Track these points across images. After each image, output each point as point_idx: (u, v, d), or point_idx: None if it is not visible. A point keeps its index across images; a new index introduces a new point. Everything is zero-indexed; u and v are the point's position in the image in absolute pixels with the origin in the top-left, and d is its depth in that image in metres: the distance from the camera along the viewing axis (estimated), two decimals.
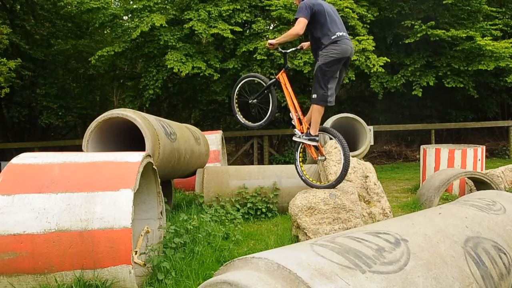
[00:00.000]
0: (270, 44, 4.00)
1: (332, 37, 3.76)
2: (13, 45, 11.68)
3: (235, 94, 4.50)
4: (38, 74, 13.47)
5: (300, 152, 4.21)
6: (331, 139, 4.37)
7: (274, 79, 4.22)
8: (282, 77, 4.18)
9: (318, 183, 4.15)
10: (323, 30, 3.80)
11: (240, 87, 4.47)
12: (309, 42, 4.23)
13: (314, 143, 3.96)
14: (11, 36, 10.68)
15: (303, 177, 4.13)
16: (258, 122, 4.38)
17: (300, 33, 3.81)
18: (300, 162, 4.20)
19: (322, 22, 3.80)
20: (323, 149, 4.16)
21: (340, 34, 3.79)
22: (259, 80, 4.36)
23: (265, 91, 4.27)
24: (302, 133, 4.05)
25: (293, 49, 4.42)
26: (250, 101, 4.42)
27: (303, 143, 4.07)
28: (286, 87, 4.13)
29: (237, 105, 4.56)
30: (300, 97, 11.59)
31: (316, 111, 3.86)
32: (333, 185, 3.98)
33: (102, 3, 10.58)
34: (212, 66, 10.31)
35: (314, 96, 3.84)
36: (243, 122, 4.54)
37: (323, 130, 4.05)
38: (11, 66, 9.38)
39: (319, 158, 4.05)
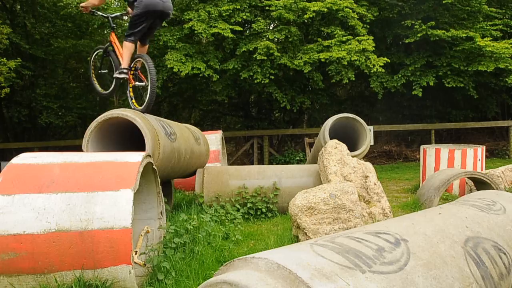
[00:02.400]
0: (82, 6, 4.81)
1: None
2: (13, 44, 11.68)
3: (91, 66, 5.26)
4: (38, 74, 13.47)
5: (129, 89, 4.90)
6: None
7: (108, 43, 4.99)
8: (112, 37, 4.92)
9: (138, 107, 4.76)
10: None
11: (92, 60, 5.25)
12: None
13: (123, 76, 4.68)
14: (11, 36, 10.68)
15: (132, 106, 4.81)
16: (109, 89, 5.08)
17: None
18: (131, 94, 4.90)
19: None
20: (142, 76, 4.75)
21: None
22: (101, 50, 5.12)
23: (104, 56, 5.04)
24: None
25: (118, 13, 5.19)
26: (100, 72, 5.20)
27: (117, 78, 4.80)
28: (115, 43, 4.91)
29: (94, 75, 5.29)
30: (301, 97, 11.61)
31: (126, 47, 4.65)
32: (143, 111, 4.57)
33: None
34: (211, 67, 10.31)
35: (126, 33, 4.68)
36: (98, 89, 5.27)
37: (138, 57, 4.74)
38: (11, 66, 9.37)
39: (137, 83, 4.71)
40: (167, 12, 4.69)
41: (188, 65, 9.78)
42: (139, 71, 4.78)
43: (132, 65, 4.75)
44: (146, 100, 4.54)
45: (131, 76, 4.73)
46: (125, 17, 5.45)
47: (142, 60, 4.68)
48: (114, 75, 4.75)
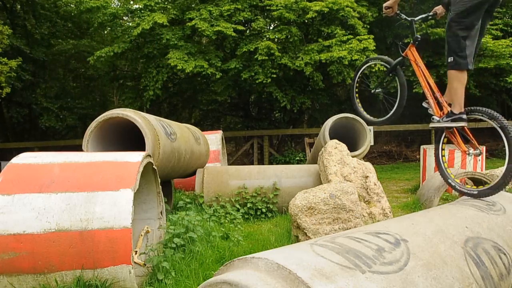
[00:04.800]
0: (386, 7, 3.24)
1: None
2: (14, 45, 11.68)
3: (355, 85, 3.76)
4: (38, 75, 13.47)
5: (442, 149, 3.19)
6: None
7: (401, 58, 3.43)
8: (411, 52, 3.37)
9: (473, 188, 2.93)
10: None
11: (359, 75, 3.73)
12: (441, 7, 3.44)
13: (460, 123, 2.92)
14: (11, 38, 10.67)
15: (451, 183, 3.08)
16: (383, 117, 3.56)
17: None
18: (444, 161, 3.18)
19: None
20: (474, 138, 3.07)
21: None
22: (382, 63, 3.59)
23: (390, 75, 3.48)
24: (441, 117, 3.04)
25: (424, 15, 3.49)
26: (373, 91, 3.66)
27: (444, 127, 3.05)
28: (417, 64, 3.30)
29: (357, 96, 3.79)
30: (301, 97, 11.60)
31: (453, 80, 2.90)
32: (493, 190, 2.68)
33: (102, 2, 10.59)
34: (213, 65, 10.32)
35: (449, 59, 2.90)
36: (365, 116, 3.78)
37: (474, 111, 2.94)
38: (13, 66, 9.34)
39: (471, 151, 3.06)
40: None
41: (191, 63, 9.79)
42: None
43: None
44: (501, 177, 2.67)
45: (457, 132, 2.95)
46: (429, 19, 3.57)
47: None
48: (437, 124, 3.07)
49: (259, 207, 5.53)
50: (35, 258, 2.64)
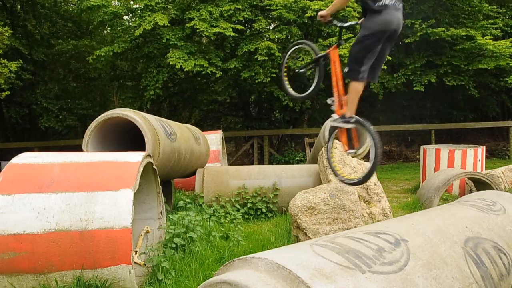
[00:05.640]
0: (321, 15, 3.67)
1: (375, 6, 3.28)
2: (13, 46, 11.67)
3: (284, 63, 4.22)
4: (38, 75, 13.47)
5: (332, 146, 3.77)
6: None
7: (325, 53, 3.85)
8: (333, 53, 3.74)
9: (347, 177, 3.68)
10: None
11: (290, 54, 4.20)
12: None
13: (348, 125, 3.48)
14: (11, 39, 10.65)
15: (334, 170, 3.71)
16: (303, 93, 4.12)
17: None
18: (332, 152, 3.78)
19: None
20: (356, 139, 3.66)
21: (387, 2, 3.28)
22: (310, 49, 4.04)
23: (312, 64, 3.99)
24: (338, 116, 3.59)
25: (352, 23, 3.88)
26: (297, 70, 4.24)
27: (337, 127, 3.59)
28: (335, 65, 3.69)
29: (286, 73, 4.26)
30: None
31: (350, 88, 3.43)
32: (360, 181, 3.44)
33: (103, 1, 10.58)
34: (214, 65, 10.31)
35: (346, 69, 3.45)
36: (289, 91, 4.25)
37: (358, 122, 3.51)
38: (13, 68, 9.31)
39: (349, 151, 3.65)
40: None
41: (191, 62, 9.78)
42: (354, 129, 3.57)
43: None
44: (367, 170, 3.36)
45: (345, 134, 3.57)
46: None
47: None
48: (334, 123, 3.61)
49: (259, 207, 5.53)
50: (35, 258, 2.64)
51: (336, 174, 3.70)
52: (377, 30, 3.29)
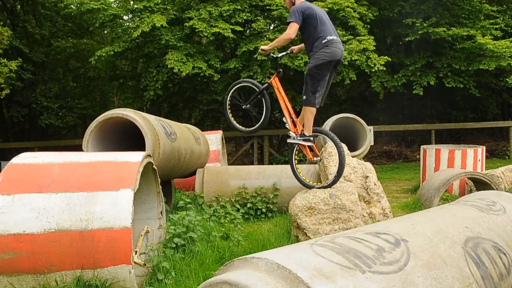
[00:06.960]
0: (263, 50, 4.11)
1: (323, 41, 3.87)
2: (13, 45, 11.67)
3: (227, 100, 4.53)
4: (38, 74, 13.47)
5: (295, 154, 4.29)
6: (325, 142, 4.41)
7: (267, 84, 4.28)
8: (275, 81, 4.22)
9: (315, 183, 4.22)
10: (315, 33, 3.91)
11: (232, 93, 4.49)
12: (299, 46, 4.41)
13: (309, 143, 4.06)
14: (11, 39, 10.65)
15: (299, 178, 4.23)
16: (252, 127, 4.42)
17: (292, 37, 3.90)
18: (296, 163, 4.28)
19: (314, 26, 3.90)
20: (317, 150, 4.21)
21: (331, 37, 3.89)
22: (252, 86, 4.39)
23: (258, 96, 4.31)
24: (296, 134, 4.14)
25: (284, 53, 4.40)
26: (243, 107, 4.44)
27: (297, 144, 4.15)
28: (279, 91, 4.19)
29: (230, 110, 4.56)
30: (301, 97, 11.58)
31: (307, 112, 4.01)
32: (328, 185, 4.02)
33: (102, 3, 10.59)
34: (212, 66, 10.31)
35: (304, 97, 4.01)
36: (236, 126, 4.58)
37: (318, 131, 4.19)
38: (13, 67, 9.31)
39: (315, 159, 4.13)
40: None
41: (189, 65, 9.77)
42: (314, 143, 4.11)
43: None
44: (333, 177, 3.97)
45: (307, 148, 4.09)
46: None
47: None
48: (293, 141, 4.12)
49: (259, 207, 5.53)
50: (35, 258, 2.64)
51: (308, 186, 4.15)
52: (326, 61, 3.86)
